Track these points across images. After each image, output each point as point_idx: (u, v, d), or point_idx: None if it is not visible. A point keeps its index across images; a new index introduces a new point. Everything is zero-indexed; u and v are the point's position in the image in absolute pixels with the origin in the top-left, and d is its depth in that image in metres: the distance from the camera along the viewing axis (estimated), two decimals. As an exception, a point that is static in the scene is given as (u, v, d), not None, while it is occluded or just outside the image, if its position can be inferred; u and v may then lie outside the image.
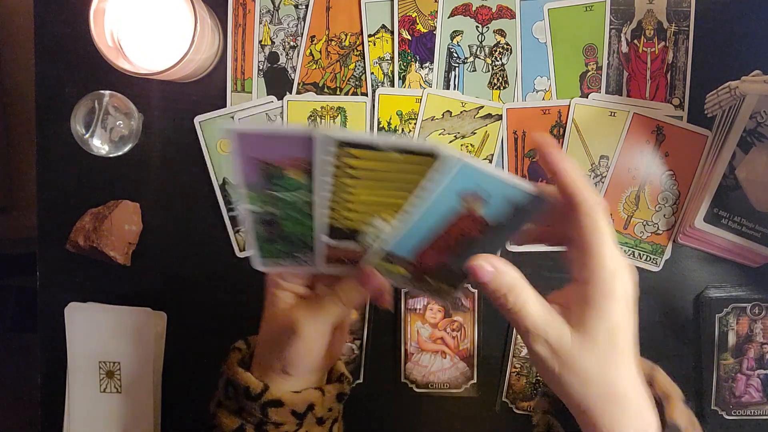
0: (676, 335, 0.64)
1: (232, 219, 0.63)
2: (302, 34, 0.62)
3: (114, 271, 0.63)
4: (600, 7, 0.61)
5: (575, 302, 0.37)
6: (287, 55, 0.62)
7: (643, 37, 0.62)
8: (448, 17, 0.62)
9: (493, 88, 0.62)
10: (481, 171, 0.32)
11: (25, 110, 0.95)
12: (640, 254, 0.62)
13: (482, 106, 0.62)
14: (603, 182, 0.62)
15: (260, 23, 0.62)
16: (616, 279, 0.36)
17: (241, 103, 0.62)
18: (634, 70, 0.62)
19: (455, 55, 0.62)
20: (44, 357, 0.64)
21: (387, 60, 0.62)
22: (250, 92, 0.62)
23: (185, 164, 0.63)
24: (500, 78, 0.62)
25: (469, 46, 0.62)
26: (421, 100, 0.62)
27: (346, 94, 0.62)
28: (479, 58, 0.62)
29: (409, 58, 0.62)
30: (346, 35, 0.62)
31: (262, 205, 0.34)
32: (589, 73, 0.62)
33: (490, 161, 0.62)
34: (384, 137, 0.30)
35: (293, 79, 0.62)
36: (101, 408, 0.64)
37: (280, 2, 0.62)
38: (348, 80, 0.62)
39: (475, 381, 0.64)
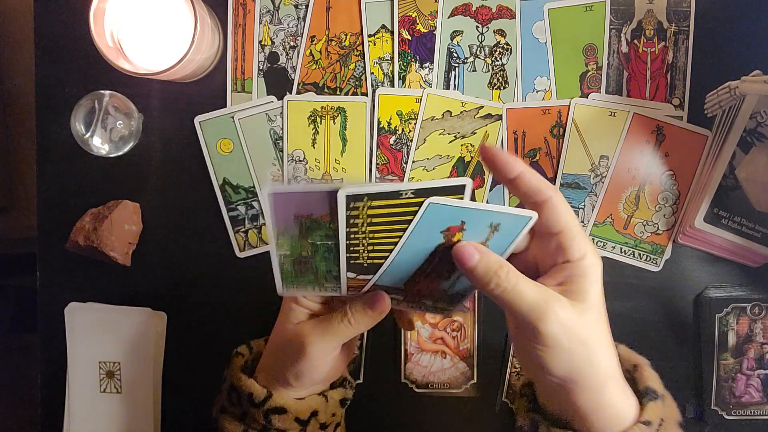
0: (676, 335, 0.64)
1: (232, 219, 0.63)
2: (302, 34, 0.62)
3: (114, 271, 0.63)
4: (600, 7, 0.61)
5: (563, 279, 0.38)
6: (287, 55, 0.62)
7: (643, 37, 0.62)
8: (448, 17, 0.62)
9: (493, 88, 0.62)
10: (452, 206, 0.35)
11: (25, 110, 0.95)
12: (640, 254, 0.62)
13: (482, 106, 0.62)
14: (603, 182, 0.62)
15: (260, 23, 0.62)
16: (597, 257, 0.39)
17: (241, 103, 0.62)
18: (634, 70, 0.62)
19: (455, 55, 0.62)
20: (44, 357, 0.64)
21: (387, 60, 0.62)
22: (250, 92, 0.62)
23: (185, 164, 0.63)
24: (500, 78, 0.62)
25: (469, 46, 0.62)
26: (421, 100, 0.62)
27: (346, 94, 0.62)
28: (479, 58, 0.62)
29: (409, 58, 0.62)
30: (346, 35, 0.62)
31: (296, 249, 0.38)
32: (589, 73, 0.62)
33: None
34: (394, 185, 0.35)
35: (293, 79, 0.62)
36: (101, 408, 0.64)
37: (280, 2, 0.62)
38: (348, 80, 0.62)
39: (475, 381, 0.64)
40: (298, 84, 0.62)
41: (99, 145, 0.61)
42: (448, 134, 0.62)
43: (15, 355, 1.26)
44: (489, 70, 0.62)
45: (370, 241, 0.37)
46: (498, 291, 0.37)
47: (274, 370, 0.46)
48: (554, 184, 0.62)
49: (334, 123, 0.62)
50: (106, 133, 0.61)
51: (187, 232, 0.63)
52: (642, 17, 0.61)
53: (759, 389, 0.63)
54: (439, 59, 0.62)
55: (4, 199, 0.94)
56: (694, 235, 0.60)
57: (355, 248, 0.38)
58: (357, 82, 0.63)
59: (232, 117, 0.62)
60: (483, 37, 0.62)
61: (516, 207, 0.38)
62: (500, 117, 0.62)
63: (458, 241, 0.38)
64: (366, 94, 0.62)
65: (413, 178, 0.62)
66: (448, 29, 0.62)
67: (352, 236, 0.37)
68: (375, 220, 0.36)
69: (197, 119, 0.62)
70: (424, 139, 0.62)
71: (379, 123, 0.62)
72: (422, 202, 0.35)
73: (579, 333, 0.36)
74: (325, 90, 0.62)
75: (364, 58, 0.62)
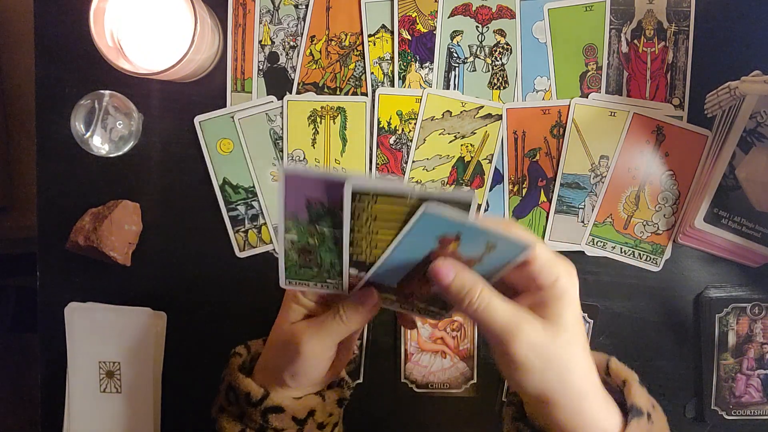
0: (676, 335, 0.64)
1: (232, 219, 0.63)
2: (302, 34, 0.62)
3: (114, 271, 0.63)
4: (600, 7, 0.61)
5: (537, 302, 0.39)
6: (287, 55, 0.62)
7: (643, 37, 0.62)
8: (448, 17, 0.62)
9: (493, 88, 0.62)
10: (448, 219, 0.35)
11: (25, 110, 0.95)
12: (640, 254, 0.62)
13: (482, 106, 0.62)
14: (603, 182, 0.62)
15: (260, 23, 0.62)
16: (572, 277, 0.39)
17: (241, 103, 0.62)
18: (634, 70, 0.62)
19: (455, 55, 0.62)
20: (44, 357, 0.64)
21: (387, 60, 0.62)
22: (250, 92, 0.62)
23: (185, 164, 0.63)
24: (500, 78, 0.62)
25: (469, 46, 0.62)
26: (421, 100, 0.62)
27: (346, 94, 0.62)
28: (479, 58, 0.62)
29: (409, 58, 0.62)
30: (346, 35, 0.62)
31: (303, 236, 0.38)
32: (589, 73, 0.62)
33: (490, 161, 0.62)
34: (403, 186, 0.35)
35: (293, 79, 0.62)
36: (101, 408, 0.64)
37: (280, 2, 0.62)
38: (348, 80, 0.62)
39: (475, 381, 0.64)
40: (298, 84, 0.62)
41: (99, 145, 0.61)
42: (448, 134, 0.62)
43: (15, 355, 1.26)
44: (489, 70, 0.62)
45: (373, 237, 0.37)
46: (470, 310, 0.38)
47: (271, 370, 0.46)
48: (554, 184, 0.62)
49: (334, 123, 0.62)
50: (106, 133, 0.61)
51: (187, 232, 0.63)
52: (642, 17, 0.61)
53: (759, 389, 0.63)
54: (439, 59, 0.62)
55: (4, 199, 0.94)
56: (694, 235, 0.60)
57: (359, 243, 0.38)
58: (357, 82, 0.63)
59: (232, 117, 0.62)
60: (483, 37, 0.62)
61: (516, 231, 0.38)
62: (500, 117, 0.62)
63: (453, 251, 0.38)
64: (366, 94, 0.62)
65: (413, 178, 0.62)
66: (448, 29, 0.62)
67: (357, 230, 0.37)
68: (379, 216, 0.36)
69: (197, 119, 0.62)
70: (424, 139, 0.62)
71: (379, 123, 0.62)
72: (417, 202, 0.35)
73: (551, 355, 0.37)
74: (325, 90, 0.62)
75: (364, 58, 0.62)
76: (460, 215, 0.35)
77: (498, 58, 0.62)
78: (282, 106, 0.62)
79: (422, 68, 0.62)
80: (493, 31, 0.62)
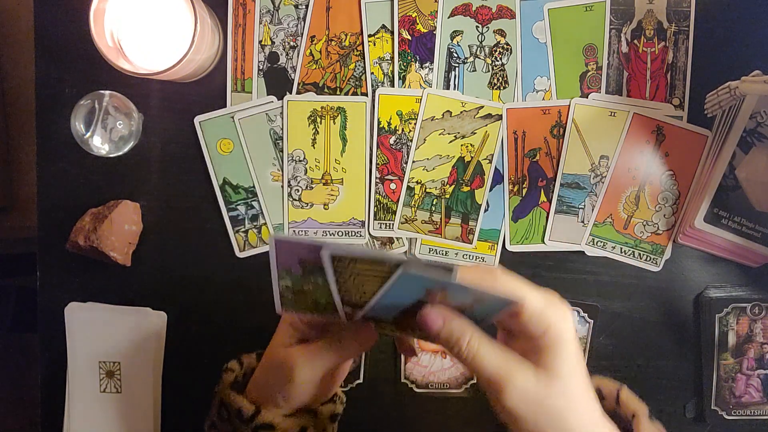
0: (676, 335, 0.64)
1: (232, 219, 0.63)
2: (302, 34, 0.62)
3: (114, 271, 0.63)
4: (600, 7, 0.61)
5: (532, 348, 0.38)
6: (287, 55, 0.62)
7: (643, 37, 0.62)
8: (448, 17, 0.62)
9: (493, 88, 0.62)
10: (426, 278, 0.35)
11: (25, 110, 0.95)
12: (640, 254, 0.62)
13: (482, 106, 0.62)
14: (603, 182, 0.62)
15: (260, 23, 0.62)
16: (565, 322, 0.37)
17: (241, 103, 0.62)
18: (634, 70, 0.62)
19: (455, 55, 0.62)
20: (44, 357, 0.64)
21: (387, 60, 0.62)
22: (250, 92, 0.62)
23: (185, 164, 0.63)
24: (500, 78, 0.62)
25: (469, 46, 0.62)
26: (421, 100, 0.62)
27: (346, 94, 0.62)
28: (479, 58, 0.62)
29: (409, 58, 0.62)
30: (346, 35, 0.62)
31: (298, 283, 0.39)
32: (589, 73, 0.62)
33: (490, 161, 0.62)
34: (381, 254, 0.35)
35: (293, 79, 0.62)
36: (101, 408, 0.64)
37: (280, 2, 0.62)
38: (348, 80, 0.62)
39: (475, 381, 0.64)
40: (298, 84, 0.62)
41: (99, 145, 0.61)
42: (448, 134, 0.62)
43: (15, 355, 1.26)
44: (489, 70, 0.62)
45: (360, 288, 0.38)
46: (460, 358, 0.37)
47: (263, 389, 0.46)
48: (554, 184, 0.62)
49: (334, 123, 0.62)
50: (106, 133, 0.61)
51: (187, 232, 0.63)
52: (642, 17, 0.61)
53: (759, 389, 0.63)
54: (439, 59, 0.62)
55: (4, 199, 0.94)
56: (694, 235, 0.60)
57: (348, 291, 0.38)
58: (357, 82, 0.62)
59: (232, 117, 0.62)
60: (483, 37, 0.62)
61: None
62: (500, 117, 0.62)
63: (443, 298, 0.38)
64: (366, 94, 0.62)
65: (413, 178, 0.62)
66: (448, 29, 0.62)
67: (343, 282, 0.37)
68: (362, 273, 0.36)
69: (197, 119, 0.62)
70: (424, 139, 0.62)
71: (379, 123, 0.62)
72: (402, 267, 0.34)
73: (543, 405, 0.36)
74: (325, 90, 0.62)
75: (364, 58, 0.62)
76: (441, 275, 0.35)
77: (498, 58, 0.62)
78: (282, 106, 0.62)
79: (422, 68, 0.62)
80: (493, 31, 0.62)
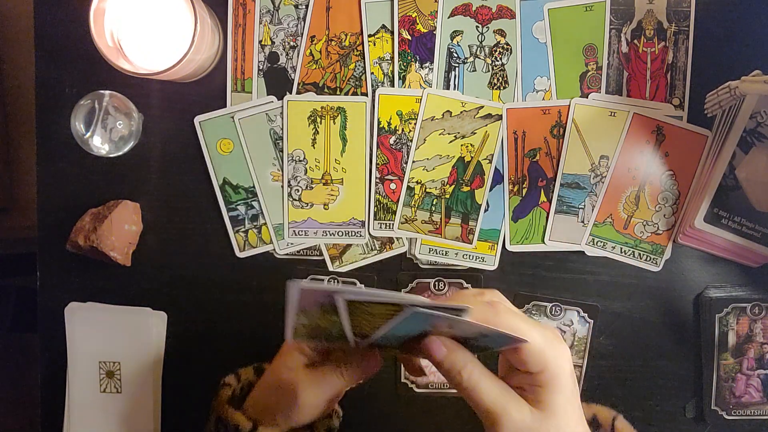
0: (676, 335, 0.64)
1: (232, 219, 0.63)
2: (302, 34, 0.62)
3: (114, 271, 0.63)
4: (600, 7, 0.61)
5: (529, 385, 0.40)
6: (287, 55, 0.62)
7: (643, 37, 0.62)
8: (448, 17, 0.62)
9: (493, 88, 0.62)
10: (435, 315, 0.36)
11: (25, 110, 0.95)
12: (640, 254, 0.62)
13: (482, 106, 0.62)
14: (603, 182, 0.62)
15: (260, 23, 0.62)
16: (562, 360, 0.39)
17: (241, 103, 0.62)
18: (634, 70, 0.62)
19: (455, 55, 0.62)
20: (44, 357, 0.64)
21: (387, 60, 0.62)
22: (250, 92, 0.62)
23: (185, 164, 0.63)
24: (500, 78, 0.62)
25: (469, 46, 0.62)
26: (421, 100, 0.62)
27: (346, 94, 0.62)
28: (479, 58, 0.62)
29: (409, 58, 0.62)
30: (346, 35, 0.62)
31: (313, 321, 0.40)
32: (589, 73, 0.62)
33: (490, 161, 0.62)
34: (380, 294, 0.37)
35: (293, 79, 0.62)
36: (101, 408, 0.64)
37: (280, 2, 0.62)
38: (348, 80, 0.62)
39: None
40: (298, 84, 0.62)
41: (99, 145, 0.61)
42: (448, 134, 0.62)
43: (15, 355, 1.26)
44: (489, 70, 0.62)
45: (371, 322, 0.39)
46: (460, 388, 0.39)
47: (263, 408, 0.46)
48: (554, 184, 0.62)
49: (334, 123, 0.62)
50: (106, 133, 0.61)
51: (187, 232, 0.63)
52: (642, 17, 0.61)
53: (759, 389, 0.63)
54: (439, 59, 0.62)
55: (4, 199, 0.94)
56: (694, 235, 0.60)
57: (359, 325, 0.40)
58: (357, 82, 0.62)
59: (232, 117, 0.62)
60: (483, 37, 0.62)
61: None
62: (500, 117, 0.62)
63: (448, 330, 0.40)
64: (366, 94, 0.62)
65: (413, 178, 0.62)
66: (448, 29, 0.62)
67: (355, 319, 0.39)
68: (374, 311, 0.38)
69: (197, 119, 0.62)
70: (424, 139, 0.62)
71: (379, 123, 0.62)
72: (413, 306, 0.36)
73: None
74: (325, 90, 0.62)
75: (364, 58, 0.62)
76: (451, 314, 0.36)
77: (498, 58, 0.62)
78: (282, 106, 0.62)
79: (422, 68, 0.62)
80: (493, 31, 0.62)
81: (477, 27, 0.62)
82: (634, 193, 0.62)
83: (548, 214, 0.63)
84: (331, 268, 0.63)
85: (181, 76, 0.57)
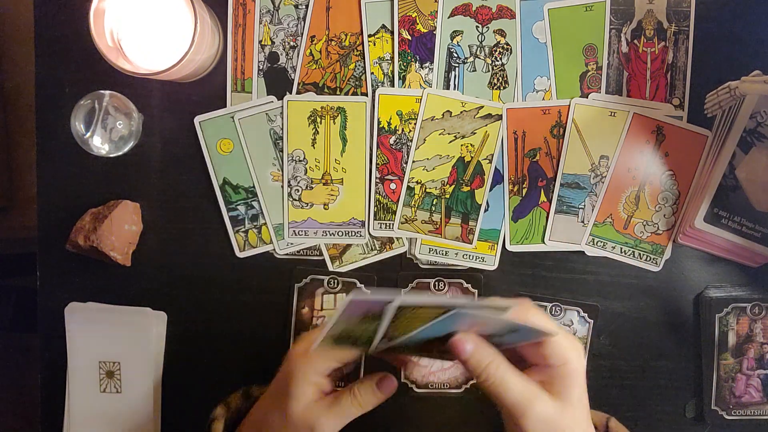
0: (676, 335, 0.64)
1: (232, 219, 0.63)
2: (302, 34, 0.62)
3: (114, 271, 0.63)
4: (600, 7, 0.61)
5: (548, 378, 0.42)
6: (287, 55, 0.62)
7: (643, 37, 0.62)
8: (448, 17, 0.62)
9: (493, 88, 0.62)
10: (477, 315, 0.39)
11: (25, 110, 0.95)
12: (640, 254, 0.62)
13: (482, 106, 0.62)
14: (603, 182, 0.62)
15: (260, 23, 0.62)
16: (580, 358, 0.43)
17: (241, 103, 0.62)
18: (634, 70, 0.62)
19: (455, 55, 0.62)
20: (44, 357, 0.64)
21: (387, 60, 0.62)
22: (250, 92, 0.62)
23: (185, 164, 0.63)
24: (500, 78, 0.62)
25: (469, 46, 0.62)
26: (421, 100, 0.62)
27: (346, 94, 0.62)
28: (479, 58, 0.62)
29: (409, 58, 0.62)
30: (346, 35, 0.62)
31: (349, 329, 0.41)
32: (589, 73, 0.62)
33: (490, 161, 0.62)
34: (436, 300, 0.40)
35: (293, 79, 0.62)
36: (101, 408, 0.64)
37: (280, 2, 0.62)
38: (348, 80, 0.62)
39: (474, 381, 0.64)
40: (298, 84, 0.62)
41: (99, 145, 0.61)
42: (448, 134, 0.62)
43: (15, 355, 1.26)
44: (489, 70, 0.62)
45: (410, 326, 0.41)
46: (487, 384, 0.41)
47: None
48: (554, 184, 0.62)
49: (334, 123, 0.62)
50: (106, 133, 0.61)
51: (187, 232, 0.63)
52: (642, 17, 0.61)
53: (759, 389, 0.63)
54: (439, 59, 0.62)
55: (4, 199, 0.94)
56: (694, 235, 0.60)
57: (396, 329, 0.41)
58: (357, 82, 0.62)
59: (232, 117, 0.62)
60: (483, 37, 0.62)
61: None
62: (500, 117, 0.62)
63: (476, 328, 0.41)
64: (366, 94, 0.62)
65: (413, 178, 0.62)
66: (448, 29, 0.62)
67: (394, 322, 0.40)
68: (419, 314, 0.39)
69: (197, 119, 0.62)
70: (424, 139, 0.62)
71: (379, 123, 0.62)
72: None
73: (557, 429, 0.41)
74: (325, 90, 0.62)
75: (364, 58, 0.62)
76: (494, 314, 0.39)
77: (498, 58, 0.62)
78: (282, 106, 0.62)
79: (422, 68, 0.62)
80: (493, 31, 0.62)
81: (477, 27, 0.62)
82: (634, 193, 0.62)
83: (548, 214, 0.63)
84: (331, 268, 0.63)
85: (181, 76, 0.57)
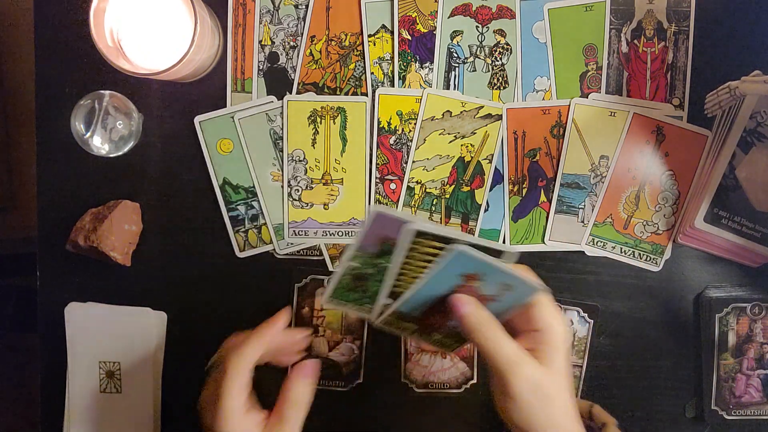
0: (676, 335, 0.64)
1: (232, 219, 0.63)
2: (302, 34, 0.62)
3: (114, 271, 0.63)
4: (600, 7, 0.61)
5: (534, 344, 0.44)
6: (287, 55, 0.62)
7: (643, 37, 0.62)
8: (448, 17, 0.62)
9: (493, 88, 0.62)
10: (477, 259, 0.41)
11: (25, 110, 0.95)
12: (640, 254, 0.62)
13: (482, 106, 0.62)
14: (603, 182, 0.62)
15: (260, 23, 0.62)
16: (562, 326, 0.45)
17: (241, 103, 0.62)
18: (634, 70, 0.62)
19: (455, 55, 0.62)
20: (44, 357, 0.64)
21: (387, 60, 0.62)
22: (250, 92, 0.62)
23: (185, 164, 0.63)
24: (500, 78, 0.62)
25: (469, 46, 0.62)
26: (421, 100, 0.62)
27: (346, 94, 0.62)
28: (479, 58, 0.62)
29: (409, 58, 0.62)
30: (346, 35, 0.62)
31: (365, 266, 0.43)
32: (589, 73, 0.62)
33: (490, 161, 0.62)
34: (451, 231, 0.41)
35: (293, 79, 0.62)
36: (101, 408, 0.64)
37: (280, 2, 0.62)
38: (348, 80, 0.63)
39: (475, 381, 0.64)
40: (298, 84, 0.62)
41: (99, 145, 0.61)
42: (448, 134, 0.62)
43: (15, 355, 1.26)
44: (489, 70, 0.62)
45: (416, 272, 0.43)
46: (481, 341, 0.43)
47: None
48: (554, 184, 0.62)
49: (334, 123, 0.62)
50: (106, 133, 0.61)
51: (187, 232, 0.63)
52: (642, 17, 0.61)
53: (759, 389, 0.63)
54: (439, 59, 0.62)
55: (4, 199, 0.94)
56: (694, 235, 0.60)
57: (406, 273, 0.43)
58: (357, 82, 0.63)
59: (232, 117, 0.62)
60: (483, 37, 0.62)
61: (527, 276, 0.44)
62: (500, 117, 0.62)
63: (474, 289, 0.44)
64: (366, 94, 0.62)
65: (413, 178, 0.62)
66: (448, 29, 0.62)
67: (405, 266, 0.42)
68: (423, 257, 0.41)
69: (197, 119, 0.62)
70: (424, 139, 0.62)
71: (379, 123, 0.62)
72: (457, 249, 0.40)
73: (542, 392, 0.42)
74: (325, 90, 0.62)
75: (364, 58, 0.62)
76: (488, 258, 0.41)
77: (498, 58, 0.62)
78: (282, 106, 0.62)
79: (422, 68, 0.62)
80: (493, 31, 0.62)
81: (477, 27, 0.62)
82: (634, 193, 0.62)
83: (548, 214, 0.63)
84: (331, 268, 0.63)
85: (181, 76, 0.57)
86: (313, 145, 0.62)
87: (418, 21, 0.62)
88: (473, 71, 0.62)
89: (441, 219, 0.63)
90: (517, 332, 0.46)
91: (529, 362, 0.43)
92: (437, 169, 0.63)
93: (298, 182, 0.63)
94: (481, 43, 0.62)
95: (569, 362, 0.46)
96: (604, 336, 0.64)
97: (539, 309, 0.45)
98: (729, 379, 0.63)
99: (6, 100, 0.94)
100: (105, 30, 0.55)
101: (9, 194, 0.94)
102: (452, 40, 0.62)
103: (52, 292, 0.64)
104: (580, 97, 0.62)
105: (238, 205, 0.63)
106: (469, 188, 0.63)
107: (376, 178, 0.63)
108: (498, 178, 0.63)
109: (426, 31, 0.62)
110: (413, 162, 0.62)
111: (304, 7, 0.62)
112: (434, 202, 0.63)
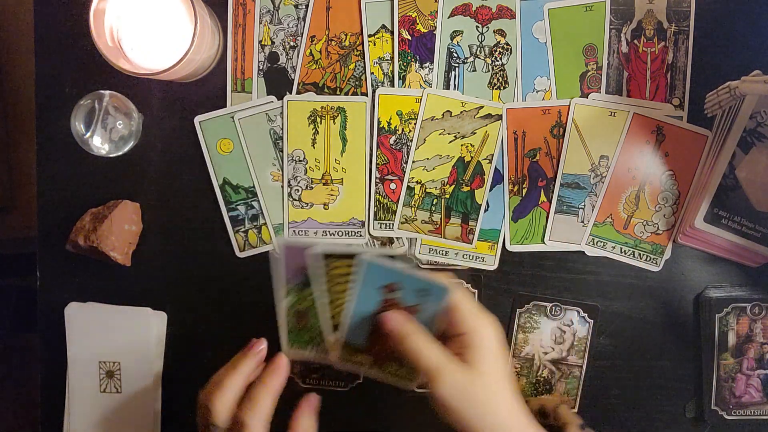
0: (676, 335, 0.64)
1: (232, 219, 0.63)
2: (302, 34, 0.62)
3: (114, 271, 0.63)
4: (600, 7, 0.61)
5: (461, 349, 0.45)
6: (287, 55, 0.62)
7: (643, 37, 0.62)
8: (448, 17, 0.62)
9: (493, 88, 0.62)
10: (384, 267, 0.42)
11: (25, 110, 0.95)
12: (640, 254, 0.62)
13: (482, 106, 0.62)
14: (603, 182, 0.62)
15: (260, 23, 0.62)
16: (487, 328, 0.45)
17: (241, 103, 0.62)
18: (634, 70, 0.62)
19: (455, 55, 0.62)
20: (44, 357, 0.64)
21: (387, 60, 0.62)
22: (250, 92, 0.62)
23: (185, 164, 0.63)
24: (500, 78, 0.62)
25: (469, 46, 0.62)
26: (421, 100, 0.62)
27: (346, 94, 0.62)
28: (479, 58, 0.62)
29: (409, 58, 0.62)
30: (346, 35, 0.62)
31: (298, 300, 0.45)
32: (589, 73, 0.62)
33: (490, 161, 0.62)
34: (353, 247, 0.43)
35: (293, 79, 0.62)
36: (101, 408, 0.64)
37: (280, 2, 0.62)
38: (348, 80, 0.63)
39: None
40: (298, 84, 0.62)
41: (99, 145, 0.61)
42: (448, 134, 0.62)
43: (15, 355, 1.26)
44: (489, 70, 0.62)
45: (339, 296, 0.44)
46: (406, 350, 0.44)
47: None
48: (554, 184, 0.62)
49: (334, 123, 0.62)
50: (106, 133, 0.61)
51: (187, 232, 0.63)
52: (642, 17, 0.61)
53: (759, 389, 0.63)
54: (439, 59, 0.62)
55: (4, 199, 0.94)
56: (694, 235, 0.60)
57: (332, 302, 0.45)
58: (357, 82, 0.63)
59: (232, 117, 0.62)
60: (483, 37, 0.62)
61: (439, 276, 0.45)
62: (500, 117, 0.62)
63: (398, 303, 0.45)
64: (366, 94, 0.62)
65: (413, 178, 0.62)
66: (448, 29, 0.62)
67: (332, 292, 0.44)
68: (339, 278, 0.43)
69: (197, 119, 0.62)
70: (424, 139, 0.62)
71: (379, 123, 0.62)
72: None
73: (470, 396, 0.43)
74: (325, 90, 0.62)
75: (364, 58, 0.62)
76: (389, 262, 0.42)
77: (498, 58, 0.62)
78: (282, 106, 0.62)
79: (422, 68, 0.62)
80: (493, 31, 0.62)
81: (477, 27, 0.62)
82: (634, 193, 0.62)
83: (548, 214, 0.63)
84: (331, 268, 0.63)
85: (181, 76, 0.57)
86: (313, 145, 0.62)
87: (418, 21, 0.62)
88: (473, 71, 0.62)
89: (441, 219, 0.63)
90: (447, 339, 0.46)
91: (451, 368, 0.43)
92: (437, 169, 0.63)
93: (298, 182, 0.63)
94: (481, 43, 0.62)
95: (505, 360, 0.46)
96: (604, 336, 0.64)
97: (461, 312, 0.45)
98: (729, 379, 0.63)
99: (6, 100, 0.94)
100: (105, 30, 0.55)
101: (9, 194, 0.94)
102: (452, 40, 0.62)
103: (52, 292, 0.64)
104: (580, 97, 0.62)
105: (238, 205, 0.63)
106: (469, 188, 0.63)
107: (376, 178, 0.63)
108: (498, 178, 0.63)
109: (426, 31, 0.62)
110: (413, 162, 0.62)
111: (304, 7, 0.62)
112: (434, 202, 0.63)
